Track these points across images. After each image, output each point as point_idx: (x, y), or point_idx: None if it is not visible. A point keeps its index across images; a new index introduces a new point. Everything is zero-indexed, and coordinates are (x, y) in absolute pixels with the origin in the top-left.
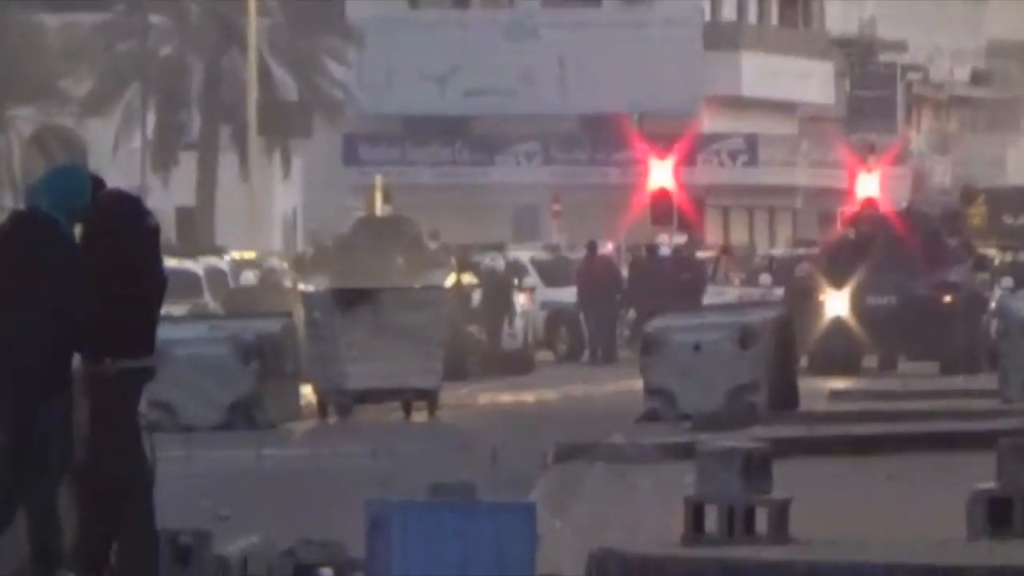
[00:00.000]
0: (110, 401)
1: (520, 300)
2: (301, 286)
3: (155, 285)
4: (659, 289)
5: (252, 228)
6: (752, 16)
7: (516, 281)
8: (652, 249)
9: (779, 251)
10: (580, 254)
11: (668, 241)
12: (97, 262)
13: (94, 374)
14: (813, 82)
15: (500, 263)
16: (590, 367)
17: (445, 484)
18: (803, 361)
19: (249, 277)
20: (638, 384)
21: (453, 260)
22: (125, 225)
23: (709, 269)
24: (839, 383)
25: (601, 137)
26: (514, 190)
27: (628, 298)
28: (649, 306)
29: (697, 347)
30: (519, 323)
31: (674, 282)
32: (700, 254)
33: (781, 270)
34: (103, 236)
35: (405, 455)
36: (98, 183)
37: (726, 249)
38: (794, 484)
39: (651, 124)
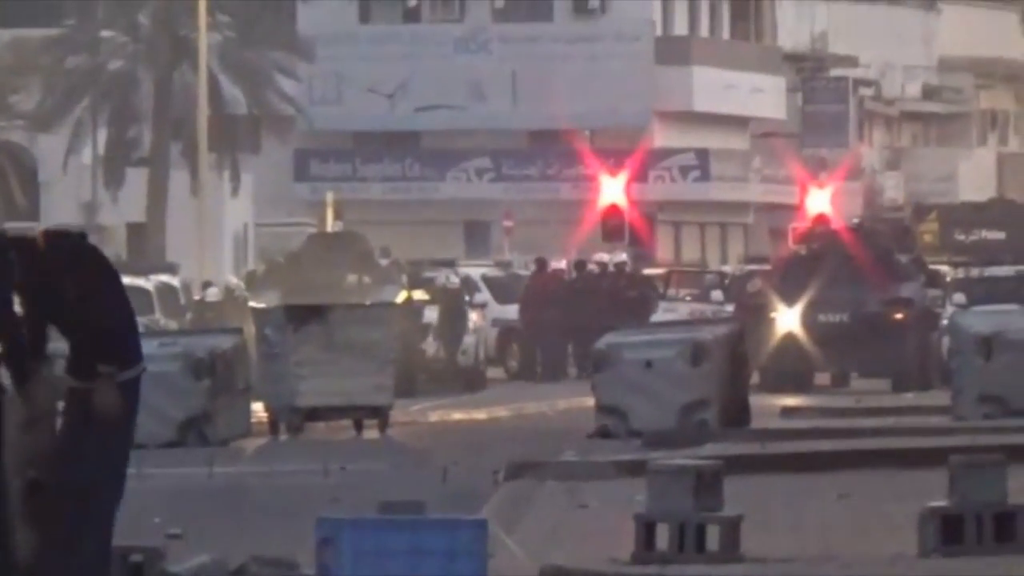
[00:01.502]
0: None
1: (472, 317)
2: (252, 302)
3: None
4: (604, 306)
5: (203, 244)
6: (704, 30)
7: (467, 298)
8: (580, 265)
9: (730, 267)
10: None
11: (609, 258)
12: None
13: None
14: (765, 97)
15: (454, 280)
16: (541, 384)
17: (396, 501)
18: (755, 378)
19: (214, 293)
20: (589, 402)
21: (404, 276)
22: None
23: (660, 286)
24: (791, 400)
25: (552, 152)
26: (465, 206)
27: (520, 315)
28: (592, 324)
29: (649, 364)
30: (470, 340)
31: (620, 299)
32: (651, 271)
33: (733, 286)
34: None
35: (356, 472)
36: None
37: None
38: (746, 501)
39: (602, 139)
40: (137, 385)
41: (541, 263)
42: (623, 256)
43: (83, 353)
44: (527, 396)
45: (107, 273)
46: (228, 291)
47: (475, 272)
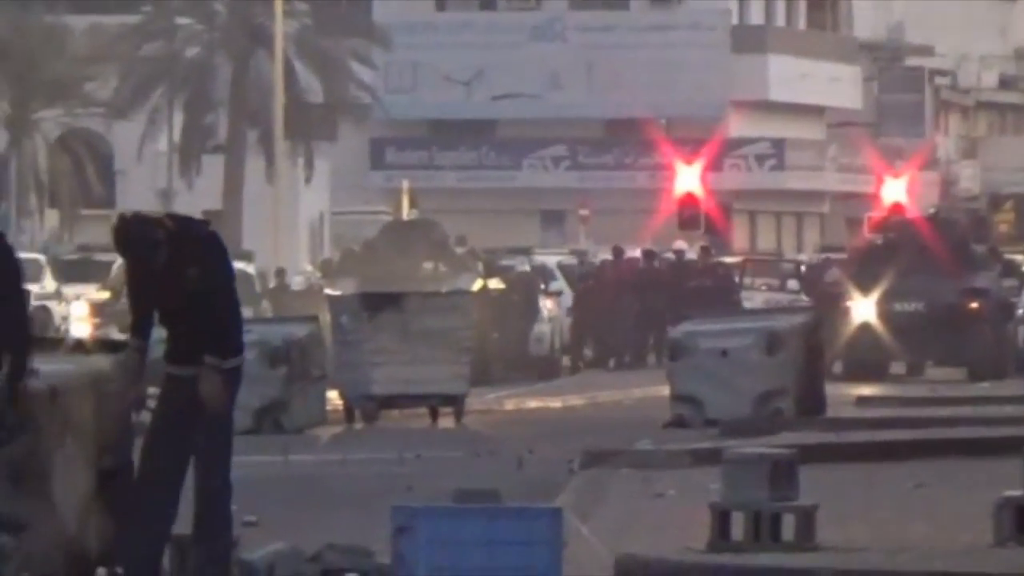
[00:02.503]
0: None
1: (547, 305)
2: (328, 290)
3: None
4: (686, 296)
5: (278, 232)
6: (780, 19)
7: (542, 286)
8: (649, 255)
9: (806, 256)
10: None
11: (684, 247)
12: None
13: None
14: (841, 86)
15: (527, 267)
16: (617, 373)
17: (471, 490)
18: (831, 367)
19: (299, 282)
20: (665, 391)
21: (480, 265)
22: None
23: (736, 275)
24: (866, 389)
25: (628, 141)
26: (541, 194)
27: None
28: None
29: (724, 353)
30: (545, 328)
31: (701, 289)
32: (726, 259)
33: (808, 275)
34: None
35: (431, 461)
36: None
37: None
38: (821, 491)
39: (678, 128)
40: (239, 374)
41: (618, 251)
42: (706, 244)
43: (190, 341)
44: (602, 385)
45: (228, 264)
46: (313, 279)
47: (550, 260)
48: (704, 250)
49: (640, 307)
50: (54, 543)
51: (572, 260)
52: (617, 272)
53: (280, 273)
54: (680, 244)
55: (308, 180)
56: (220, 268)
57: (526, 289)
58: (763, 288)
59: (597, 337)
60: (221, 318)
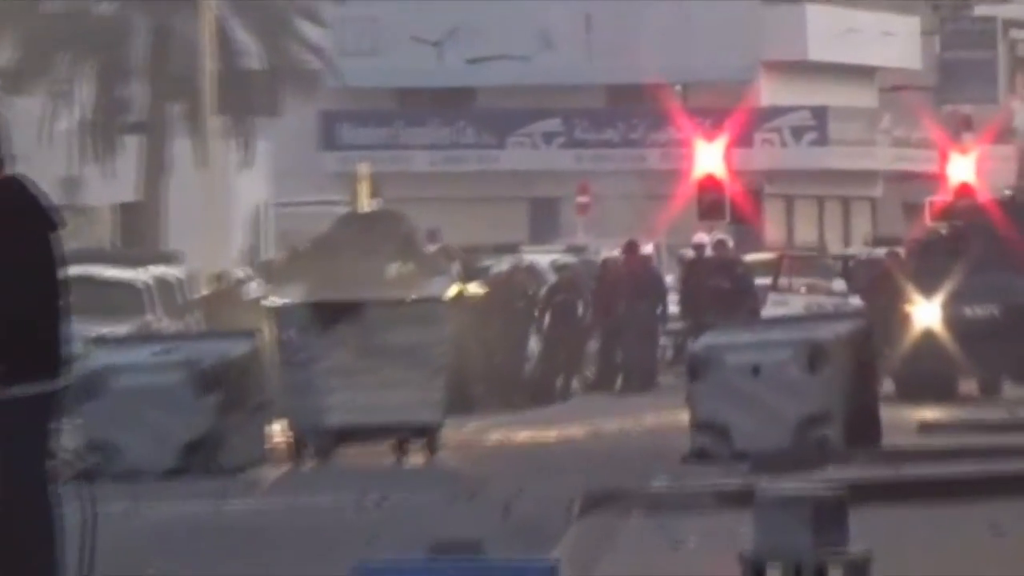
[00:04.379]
0: (6, 436)
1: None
2: (271, 299)
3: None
4: (699, 299)
5: (209, 228)
6: None
7: (534, 291)
8: (699, 248)
9: (855, 250)
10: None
11: (706, 240)
12: None
13: None
14: (895, 42)
15: (514, 268)
16: (625, 396)
17: (448, 540)
18: (887, 385)
19: (246, 289)
20: (683, 416)
21: (457, 266)
22: (16, 213)
23: (769, 274)
24: (930, 412)
25: (636, 113)
26: (530, 178)
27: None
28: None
29: (756, 370)
30: (537, 344)
31: (716, 292)
32: (756, 256)
33: (858, 274)
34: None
35: (399, 505)
36: None
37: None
38: (876, 537)
39: (697, 96)
40: (45, 405)
41: (630, 247)
42: (722, 237)
43: None
44: (607, 411)
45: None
46: (233, 284)
47: (543, 259)
48: (720, 244)
49: (651, 314)
50: None
51: (570, 258)
52: (630, 273)
53: (218, 278)
54: (701, 237)
55: (249, 164)
56: (16, 237)
57: (515, 294)
58: (803, 290)
59: (603, 354)
60: (15, 317)
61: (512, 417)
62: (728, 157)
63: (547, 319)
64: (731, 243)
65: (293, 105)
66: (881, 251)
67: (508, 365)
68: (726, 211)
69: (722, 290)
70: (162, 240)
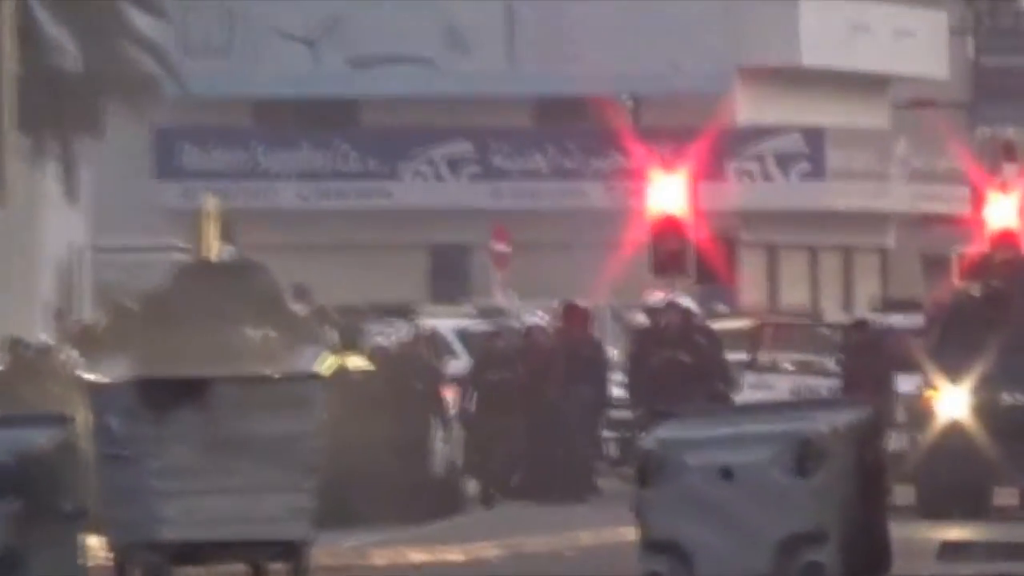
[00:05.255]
0: None
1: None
2: (88, 375)
3: None
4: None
5: (7, 280)
6: None
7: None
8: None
9: (858, 317)
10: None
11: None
12: None
13: None
14: (916, 44)
15: (417, 337)
16: (556, 505)
17: None
18: (900, 495)
19: (63, 361)
20: (631, 534)
21: (334, 332)
22: None
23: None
24: (956, 530)
25: (572, 134)
26: (431, 220)
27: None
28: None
29: (726, 473)
30: (439, 436)
31: (675, 369)
32: (728, 323)
33: (862, 348)
34: None
35: None
36: None
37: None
38: None
39: (654, 113)
40: None
41: (570, 312)
42: (683, 300)
43: None
44: (532, 525)
45: None
46: (39, 353)
47: (446, 325)
48: (678, 307)
49: (592, 400)
50: None
51: (482, 325)
52: (566, 346)
53: (14, 344)
54: (656, 297)
55: (67, 195)
56: None
57: (412, 371)
58: (789, 368)
59: (529, 451)
60: None
61: (406, 533)
62: (693, 193)
63: (473, 403)
64: (695, 306)
65: (120, 120)
66: (894, 318)
67: (403, 463)
68: (689, 264)
69: (683, 367)
70: None
